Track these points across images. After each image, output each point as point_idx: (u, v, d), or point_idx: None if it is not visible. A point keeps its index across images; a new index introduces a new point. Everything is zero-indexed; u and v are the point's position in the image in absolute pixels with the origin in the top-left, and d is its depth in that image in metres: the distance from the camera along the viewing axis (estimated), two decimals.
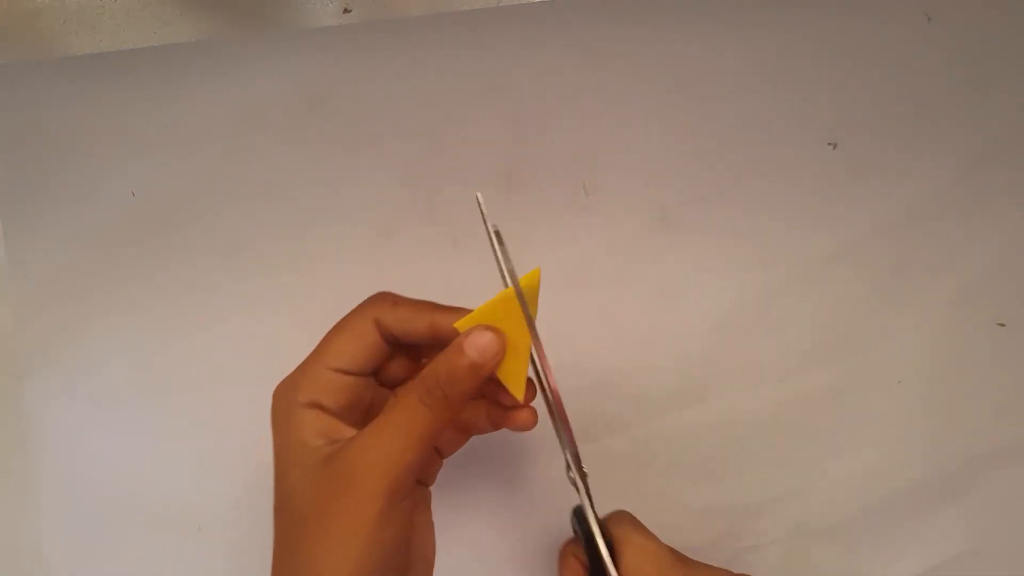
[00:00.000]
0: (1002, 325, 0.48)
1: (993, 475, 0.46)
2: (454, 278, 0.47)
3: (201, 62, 0.48)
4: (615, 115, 0.48)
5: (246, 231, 0.47)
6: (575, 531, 0.40)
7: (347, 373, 0.34)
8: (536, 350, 0.34)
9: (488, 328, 0.33)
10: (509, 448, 0.46)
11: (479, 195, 0.34)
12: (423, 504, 0.37)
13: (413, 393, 0.33)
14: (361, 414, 0.36)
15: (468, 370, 0.33)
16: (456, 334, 0.33)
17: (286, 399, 0.35)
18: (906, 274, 0.48)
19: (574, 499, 0.37)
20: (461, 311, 0.34)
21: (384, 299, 0.35)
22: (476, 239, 0.47)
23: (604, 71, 0.48)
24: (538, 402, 0.36)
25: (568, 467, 0.36)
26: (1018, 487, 0.47)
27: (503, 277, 0.34)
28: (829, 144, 0.49)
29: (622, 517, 0.38)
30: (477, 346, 0.33)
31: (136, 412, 0.46)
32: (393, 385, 0.38)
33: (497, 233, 0.34)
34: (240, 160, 0.47)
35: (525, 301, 0.33)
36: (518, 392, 0.34)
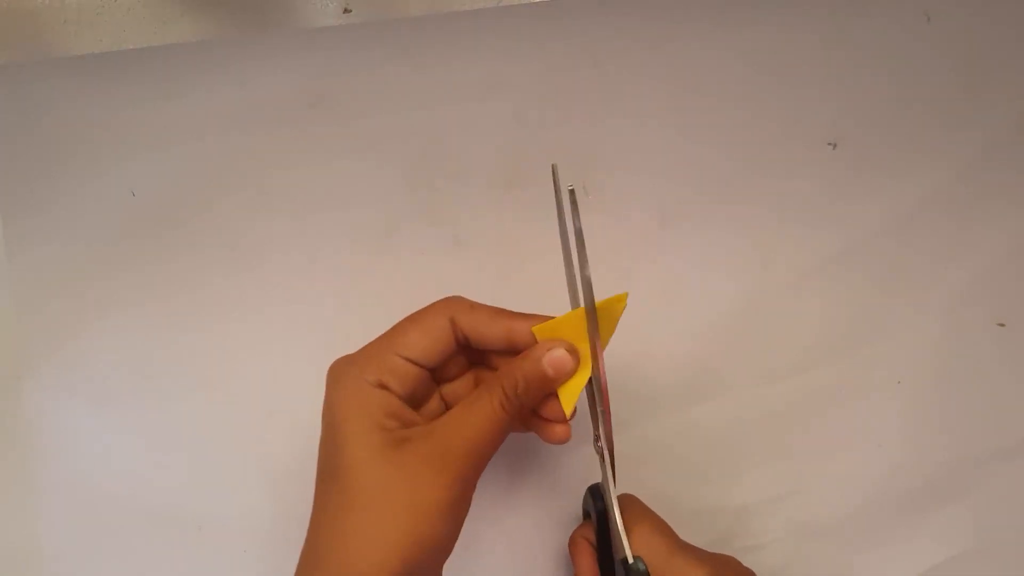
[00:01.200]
0: (1002, 325, 0.48)
1: (993, 475, 0.47)
2: (454, 277, 0.47)
3: (201, 62, 0.48)
4: (615, 115, 0.48)
5: (246, 231, 0.47)
6: (586, 512, 0.40)
7: (415, 364, 0.35)
8: (597, 363, 0.35)
9: (566, 345, 0.35)
10: (513, 440, 0.46)
11: (554, 164, 0.35)
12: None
13: (494, 395, 0.34)
14: (416, 404, 0.37)
15: (542, 383, 0.35)
16: (531, 342, 0.35)
17: (353, 376, 0.35)
18: (906, 274, 0.48)
19: (576, 491, 0.37)
20: (536, 318, 0.36)
21: (461, 302, 0.36)
22: (476, 238, 0.47)
23: (604, 71, 0.48)
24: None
25: (597, 439, 0.37)
26: (1018, 486, 0.47)
27: (577, 286, 0.36)
28: (829, 144, 0.49)
29: (632, 500, 0.39)
30: (554, 363, 0.35)
31: (136, 412, 0.46)
32: (444, 380, 0.39)
33: (579, 232, 0.35)
34: (240, 160, 0.47)
35: (597, 322, 0.35)
36: (568, 407, 0.36)
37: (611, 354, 0.47)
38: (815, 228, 0.48)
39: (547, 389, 0.36)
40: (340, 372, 0.36)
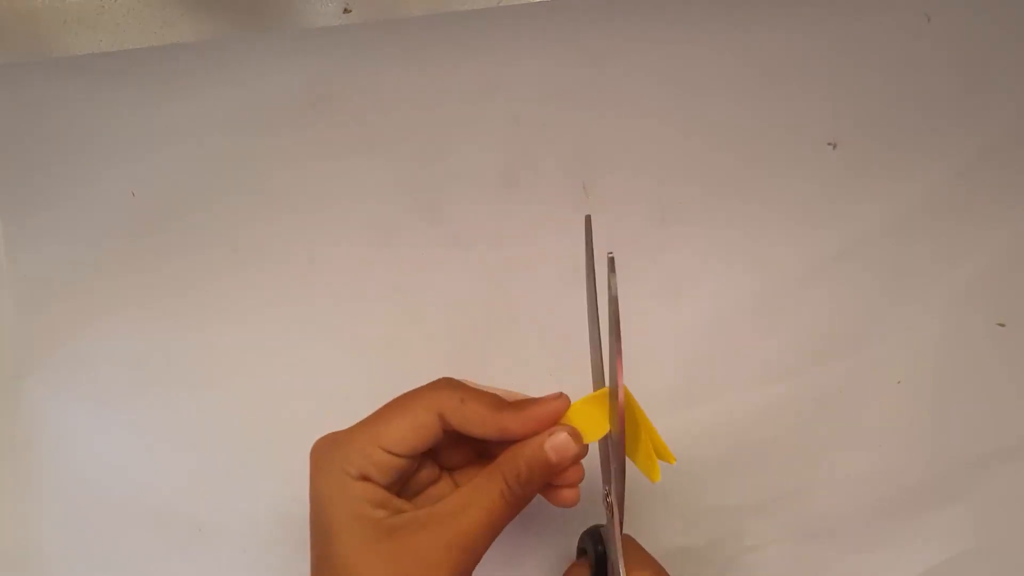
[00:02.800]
0: (1002, 325, 0.48)
1: (993, 475, 0.46)
2: (454, 278, 0.47)
3: (201, 62, 0.48)
4: (615, 115, 0.48)
5: (246, 230, 0.47)
6: (581, 550, 0.40)
7: (399, 456, 0.34)
8: (616, 421, 0.34)
9: (568, 429, 0.34)
10: None
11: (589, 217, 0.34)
12: None
13: (494, 484, 0.33)
14: (409, 487, 0.36)
15: (545, 469, 0.34)
16: (528, 434, 0.34)
17: (335, 465, 0.34)
18: (906, 274, 0.48)
19: (570, 525, 0.37)
20: (529, 409, 0.34)
21: (452, 394, 0.35)
22: (476, 238, 0.48)
23: (604, 71, 0.48)
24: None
25: (607, 494, 0.36)
26: (1019, 487, 0.47)
27: (602, 357, 0.35)
28: (829, 144, 0.49)
29: (633, 545, 0.38)
30: (558, 449, 0.34)
31: (136, 412, 0.46)
32: (447, 467, 0.37)
33: (614, 301, 0.32)
34: (240, 160, 0.47)
35: (621, 383, 0.33)
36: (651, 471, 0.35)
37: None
38: (815, 228, 0.48)
39: (550, 476, 0.34)
40: (323, 458, 0.34)
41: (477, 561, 0.33)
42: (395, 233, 0.47)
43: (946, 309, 0.48)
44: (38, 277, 0.46)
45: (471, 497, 0.33)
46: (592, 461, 0.37)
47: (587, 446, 0.35)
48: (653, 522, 0.45)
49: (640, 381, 0.47)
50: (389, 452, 0.33)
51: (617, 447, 0.34)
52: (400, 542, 0.32)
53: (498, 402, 0.35)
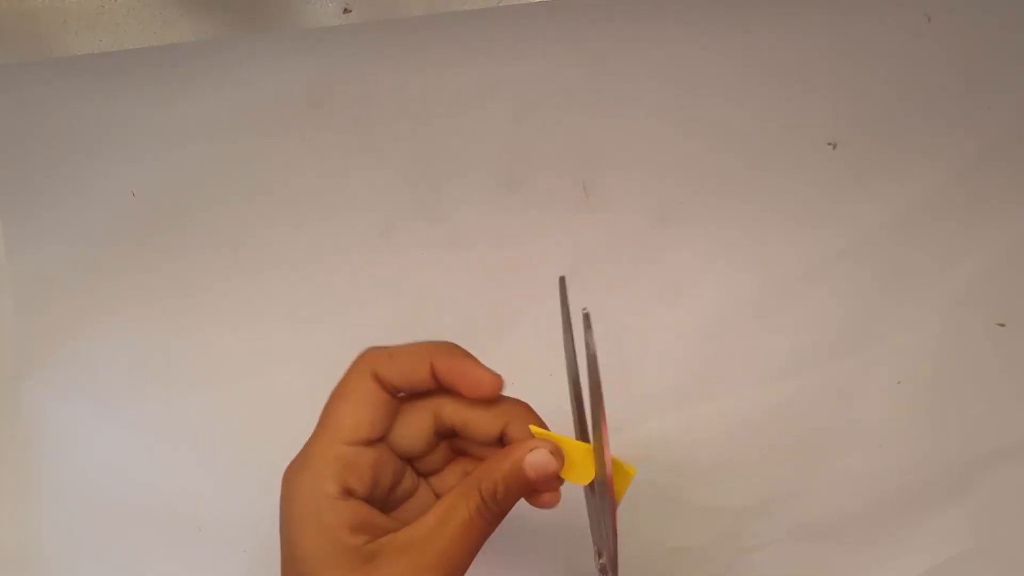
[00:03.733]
0: (1002, 325, 0.48)
1: (993, 475, 0.46)
2: (453, 278, 0.47)
3: (201, 62, 0.48)
4: (615, 115, 0.48)
5: (246, 231, 0.47)
6: None
7: (367, 444, 0.32)
8: (606, 484, 0.33)
9: (549, 447, 0.33)
10: None
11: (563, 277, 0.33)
12: None
13: (470, 500, 0.32)
14: (386, 491, 0.34)
15: (522, 487, 0.32)
16: (459, 378, 0.33)
17: (308, 488, 0.32)
18: (906, 274, 0.48)
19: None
20: (452, 348, 0.33)
21: (377, 353, 0.33)
22: (476, 238, 0.47)
23: (604, 71, 0.48)
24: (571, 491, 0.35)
25: (599, 554, 0.35)
26: (1019, 487, 0.47)
27: (584, 413, 0.34)
28: (829, 144, 0.49)
29: None
30: (536, 467, 0.32)
31: (136, 412, 0.46)
32: (430, 473, 0.36)
33: (592, 358, 0.31)
34: (240, 160, 0.47)
35: (606, 448, 0.32)
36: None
37: (610, 353, 0.47)
38: (815, 228, 0.48)
39: (527, 492, 0.33)
40: (294, 484, 0.32)
41: None
42: (395, 233, 0.47)
43: (946, 309, 0.48)
44: (38, 277, 0.46)
45: (447, 515, 0.32)
46: (582, 518, 0.35)
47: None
48: (653, 522, 0.45)
49: (640, 381, 0.47)
50: (355, 443, 0.32)
51: (607, 511, 0.33)
52: (380, 570, 0.30)
53: (423, 345, 0.33)
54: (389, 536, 0.31)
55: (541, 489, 0.33)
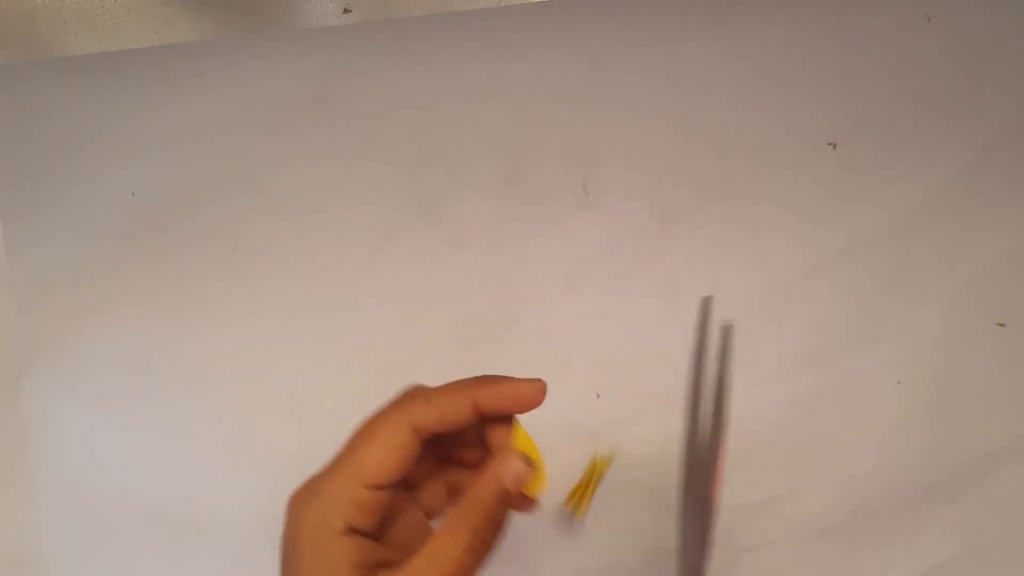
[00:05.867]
0: (1002, 325, 0.48)
1: (993, 475, 0.46)
2: (454, 278, 0.47)
3: (201, 62, 0.48)
4: (615, 115, 0.48)
5: (246, 231, 0.47)
6: None
7: (383, 488, 0.32)
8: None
9: (520, 457, 0.32)
10: None
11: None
12: None
13: (460, 537, 0.31)
14: (389, 522, 0.34)
15: (505, 506, 0.32)
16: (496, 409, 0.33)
17: (318, 524, 0.31)
18: (906, 274, 0.48)
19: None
20: (502, 383, 0.33)
21: (415, 399, 0.33)
22: (476, 239, 0.47)
23: (604, 71, 0.48)
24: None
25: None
26: (1018, 487, 0.47)
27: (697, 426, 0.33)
28: (829, 144, 0.49)
29: None
30: (516, 480, 0.32)
31: (136, 412, 0.46)
32: (413, 487, 0.36)
33: (723, 374, 0.31)
34: (240, 160, 0.47)
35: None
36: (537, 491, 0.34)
37: (611, 353, 0.47)
38: (815, 228, 0.48)
39: (511, 508, 0.33)
40: (301, 516, 0.32)
41: None
42: (395, 233, 0.47)
43: (946, 309, 0.48)
44: (38, 277, 0.46)
45: (439, 557, 0.31)
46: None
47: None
48: (653, 522, 0.45)
49: (640, 380, 0.47)
50: (373, 487, 0.32)
51: (708, 523, 0.32)
52: None
53: (463, 382, 0.33)
54: (384, 572, 0.31)
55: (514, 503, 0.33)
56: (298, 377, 0.46)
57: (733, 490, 0.46)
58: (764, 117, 0.49)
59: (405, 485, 0.35)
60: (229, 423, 0.46)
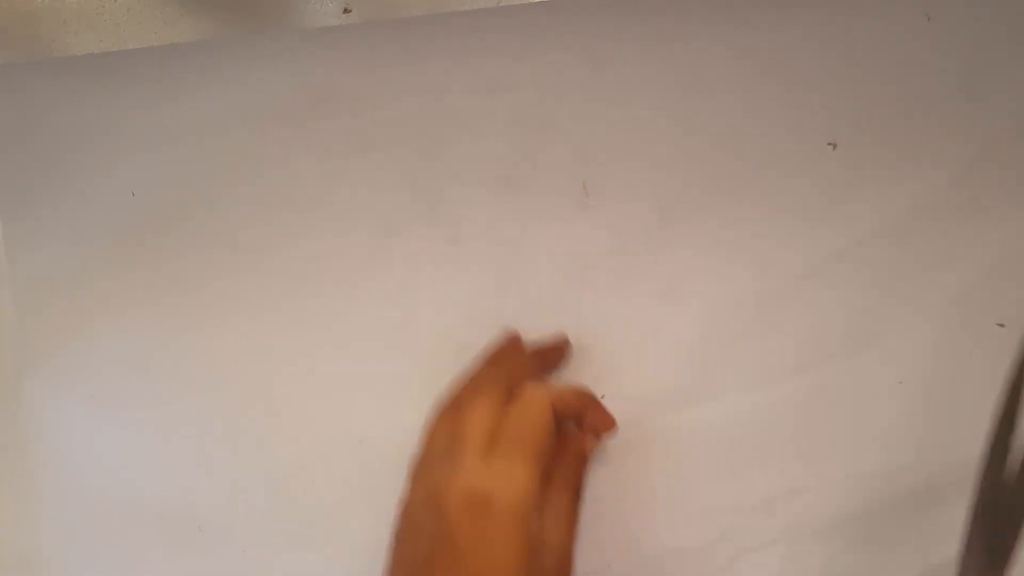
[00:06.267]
0: (1002, 325, 0.48)
1: None
2: (454, 278, 0.47)
3: (201, 62, 0.48)
4: (615, 115, 0.48)
5: (246, 231, 0.47)
6: None
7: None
8: None
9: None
10: None
11: None
12: None
13: (573, 503, 0.42)
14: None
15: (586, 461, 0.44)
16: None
17: (526, 519, 0.37)
18: (906, 274, 0.48)
19: None
20: (599, 407, 0.44)
21: (548, 390, 0.41)
22: (476, 239, 0.48)
23: (604, 71, 0.48)
24: None
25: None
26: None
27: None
28: (829, 144, 0.49)
29: None
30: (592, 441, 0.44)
31: (136, 412, 0.46)
32: None
33: None
34: (240, 160, 0.47)
35: None
36: None
37: (611, 353, 0.47)
38: (815, 228, 0.48)
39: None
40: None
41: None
42: (395, 233, 0.47)
43: (946, 309, 0.48)
44: (38, 277, 0.46)
45: (567, 530, 0.39)
46: None
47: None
48: (653, 522, 0.45)
49: (640, 380, 0.47)
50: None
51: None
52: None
53: (580, 393, 0.42)
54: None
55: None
56: (298, 377, 0.46)
57: (733, 490, 0.46)
58: (764, 117, 0.49)
59: None
60: (229, 423, 0.46)
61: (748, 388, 0.47)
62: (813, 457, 0.47)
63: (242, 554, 0.45)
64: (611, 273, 0.47)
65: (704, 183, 0.48)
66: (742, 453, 0.46)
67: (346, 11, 0.49)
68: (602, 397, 0.46)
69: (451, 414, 0.39)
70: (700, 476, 0.46)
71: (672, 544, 0.44)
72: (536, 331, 0.47)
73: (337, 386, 0.46)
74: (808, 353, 0.47)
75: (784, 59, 0.49)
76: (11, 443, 0.45)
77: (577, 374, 0.46)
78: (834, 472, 0.46)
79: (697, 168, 0.48)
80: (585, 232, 0.48)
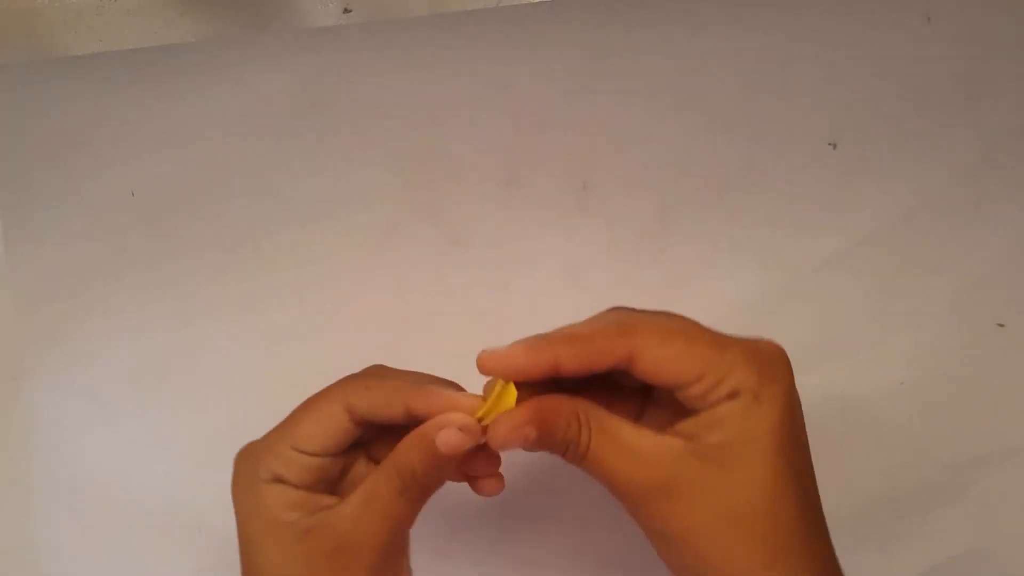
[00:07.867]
0: (1002, 325, 0.48)
1: (994, 475, 0.46)
2: (454, 278, 0.47)
3: (201, 62, 0.48)
4: (615, 115, 0.48)
5: (245, 231, 0.47)
6: None
7: (312, 455, 0.33)
8: None
9: (459, 422, 0.32)
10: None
11: None
12: (404, 563, 0.36)
13: (391, 483, 0.32)
14: (333, 484, 0.35)
15: (439, 463, 0.32)
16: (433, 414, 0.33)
17: (247, 471, 0.34)
18: (906, 274, 0.48)
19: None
20: (437, 392, 0.33)
21: (357, 383, 0.34)
22: (476, 239, 0.48)
23: (604, 71, 0.48)
24: None
25: None
26: (1018, 487, 0.47)
27: None
28: (829, 144, 0.49)
29: None
30: (448, 444, 0.31)
31: (136, 411, 0.46)
32: (378, 459, 0.36)
33: None
34: (240, 160, 0.47)
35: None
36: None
37: None
38: (815, 228, 0.48)
39: (447, 467, 0.33)
40: (239, 470, 0.35)
41: (392, 559, 0.33)
42: (395, 233, 0.47)
43: (946, 309, 0.48)
44: (38, 277, 0.46)
45: (368, 499, 0.32)
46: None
47: (484, 434, 0.32)
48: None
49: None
50: (300, 451, 0.33)
51: None
52: (312, 546, 0.32)
53: (403, 384, 0.33)
54: (323, 513, 0.32)
55: (466, 463, 0.34)
56: (298, 377, 0.46)
57: None
58: (764, 117, 0.48)
59: (376, 459, 0.36)
60: (229, 423, 0.45)
61: None
62: (814, 457, 0.47)
63: None
64: (611, 273, 0.47)
65: (704, 183, 0.48)
66: None
67: (346, 11, 0.49)
68: None
69: None
70: None
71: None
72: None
73: None
74: (808, 353, 0.47)
75: (784, 59, 0.49)
76: (10, 443, 0.45)
77: None
78: (834, 472, 0.46)
79: (697, 168, 0.48)
80: (585, 232, 0.48)
